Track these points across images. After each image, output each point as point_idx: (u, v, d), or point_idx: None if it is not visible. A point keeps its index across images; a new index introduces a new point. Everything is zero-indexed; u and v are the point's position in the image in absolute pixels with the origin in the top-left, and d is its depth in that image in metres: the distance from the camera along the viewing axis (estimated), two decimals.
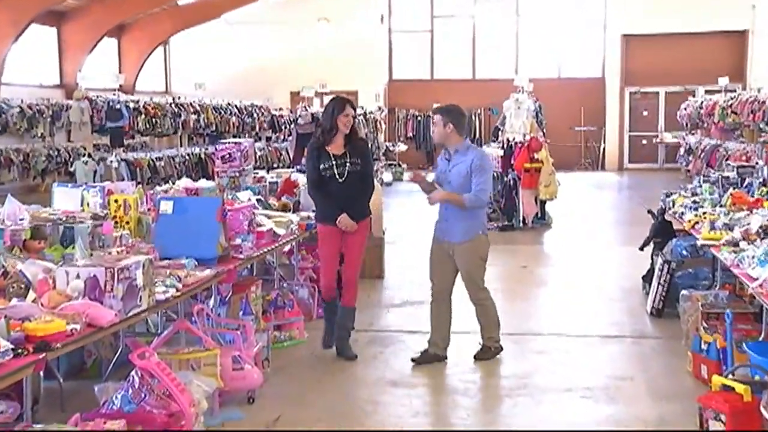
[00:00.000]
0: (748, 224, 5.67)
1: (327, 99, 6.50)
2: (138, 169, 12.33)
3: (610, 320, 7.02)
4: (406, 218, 13.19)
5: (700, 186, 7.74)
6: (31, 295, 3.80)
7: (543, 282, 8.89)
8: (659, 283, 6.98)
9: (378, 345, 6.26)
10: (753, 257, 4.92)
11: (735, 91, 18.09)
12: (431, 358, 5.70)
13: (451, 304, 5.78)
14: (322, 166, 5.65)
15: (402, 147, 21.94)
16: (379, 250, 8.75)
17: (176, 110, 14.16)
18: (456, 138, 5.55)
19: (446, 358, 5.74)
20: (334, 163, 5.65)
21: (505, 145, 12.48)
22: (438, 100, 17.69)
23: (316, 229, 6.00)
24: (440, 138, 5.60)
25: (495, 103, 20.89)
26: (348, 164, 5.65)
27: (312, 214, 6.45)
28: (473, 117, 23.79)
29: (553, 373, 5.60)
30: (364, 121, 17.70)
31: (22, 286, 3.89)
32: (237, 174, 7.25)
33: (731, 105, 16.57)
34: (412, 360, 5.72)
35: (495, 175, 13.47)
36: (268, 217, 6.32)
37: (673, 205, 7.48)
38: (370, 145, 17.37)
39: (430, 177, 5.81)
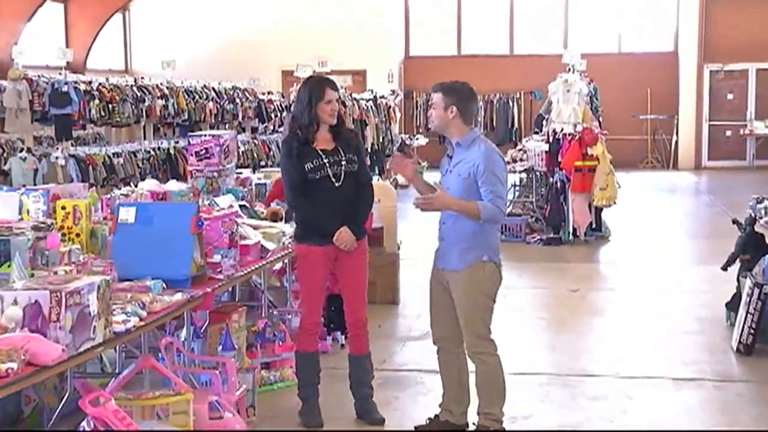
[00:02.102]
0: None
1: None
2: (91, 168, 12.35)
3: (684, 359, 7.00)
4: (427, 228, 13.16)
5: None
6: None
7: (599, 310, 8.88)
8: (748, 312, 6.95)
9: (392, 388, 6.26)
10: None
11: None
12: (442, 427, 5.39)
13: (464, 355, 5.36)
14: (308, 166, 5.47)
15: (421, 140, 21.96)
16: (392, 269, 8.77)
17: (139, 94, 14.20)
18: (460, 127, 5.22)
19: (466, 426, 5.38)
20: (326, 161, 5.48)
21: (551, 138, 12.50)
22: (467, 81, 17.83)
23: (294, 253, 5.89)
24: (439, 124, 5.25)
25: (538, 85, 20.96)
26: (344, 162, 5.50)
27: None
28: (510, 102, 23.84)
29: (611, 423, 5.59)
30: (373, 107, 17.71)
31: None
32: (215, 174, 7.26)
33: None
34: (416, 429, 5.42)
35: (538, 176, 13.52)
36: (255, 227, 6.33)
37: (766, 214, 7.46)
38: (377, 139, 17.52)
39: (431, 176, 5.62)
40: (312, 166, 5.47)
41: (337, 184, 5.50)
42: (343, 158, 5.53)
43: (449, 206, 5.13)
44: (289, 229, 6.57)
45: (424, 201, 5.12)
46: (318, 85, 5.55)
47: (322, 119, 5.51)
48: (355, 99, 17.23)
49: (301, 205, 5.57)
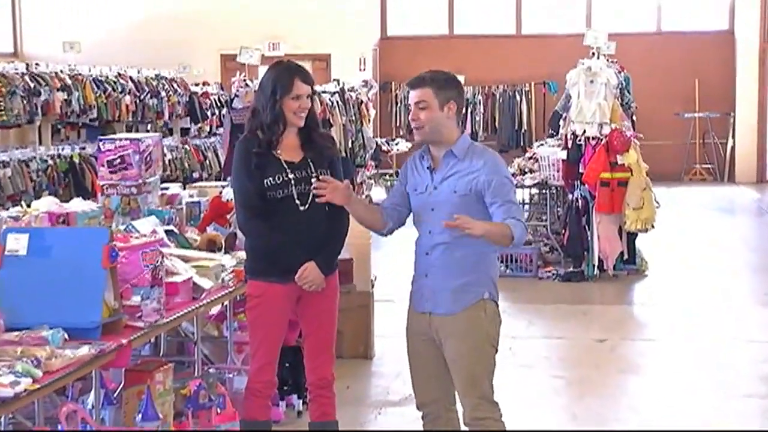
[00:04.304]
0: None
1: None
2: None
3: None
4: (407, 261, 13.16)
5: None
6: None
7: (632, 366, 8.90)
8: None
9: None
10: None
11: None
12: None
13: (457, 420, 5.38)
14: (269, 182, 5.53)
15: (402, 145, 22.01)
16: (364, 313, 8.75)
17: (32, 85, 14.17)
18: (452, 130, 5.27)
19: None
20: (291, 177, 5.55)
21: (570, 143, 12.53)
22: (462, 70, 17.68)
23: (245, 293, 5.91)
24: (433, 130, 5.23)
25: (553, 74, 21.08)
26: (313, 179, 5.51)
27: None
28: (517, 97, 23.93)
29: None
30: (340, 103, 17.74)
31: None
32: (134, 190, 7.26)
33: None
34: None
35: (554, 191, 13.58)
36: (186, 260, 6.32)
37: None
38: (345, 143, 17.53)
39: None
40: (273, 182, 5.53)
41: (302, 208, 5.55)
42: (314, 174, 5.57)
43: (488, 232, 5.06)
44: (229, 261, 6.57)
45: (466, 222, 5.00)
46: (285, 73, 5.59)
47: (288, 119, 5.56)
48: (316, 92, 17.28)
49: (257, 230, 5.61)
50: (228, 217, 7.48)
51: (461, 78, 5.77)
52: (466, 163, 5.21)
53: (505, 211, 5.10)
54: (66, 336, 4.86)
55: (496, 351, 5.30)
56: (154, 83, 16.84)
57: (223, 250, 6.96)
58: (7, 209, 7.01)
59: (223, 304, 6.82)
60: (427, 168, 5.33)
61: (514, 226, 5.04)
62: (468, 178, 5.17)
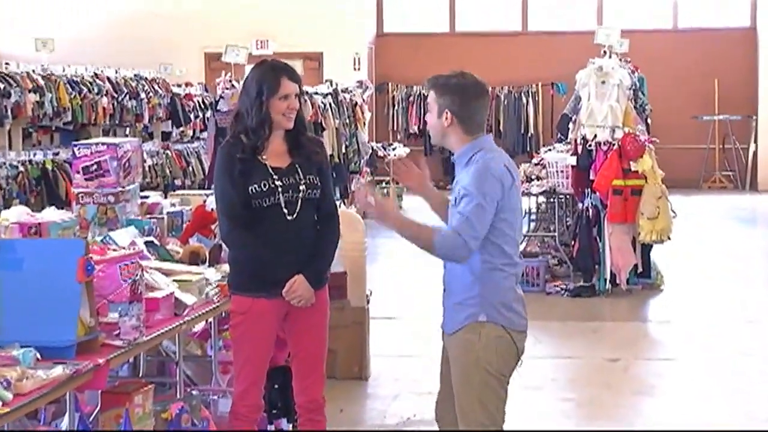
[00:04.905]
0: None
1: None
2: None
3: None
4: (407, 274, 13.28)
5: None
6: None
7: (647, 387, 8.89)
8: None
9: None
10: None
11: None
12: None
13: None
14: (254, 189, 5.55)
15: (401, 150, 22.04)
16: (359, 330, 8.75)
17: (1, 86, 14.19)
18: (460, 137, 5.30)
19: None
20: (277, 184, 5.57)
21: (580, 149, 12.55)
22: (462, 69, 17.88)
23: (229, 309, 5.93)
24: (435, 136, 5.38)
25: (562, 74, 21.07)
26: (302, 187, 5.58)
27: None
28: (523, 98, 23.95)
29: None
30: (333, 105, 17.77)
31: None
32: (111, 199, 7.27)
33: None
34: None
35: (562, 200, 13.57)
36: (167, 273, 6.33)
37: None
38: (338, 149, 17.54)
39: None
40: (258, 189, 5.54)
41: (290, 217, 5.57)
42: (302, 181, 5.60)
43: (395, 225, 5.19)
44: (214, 275, 6.58)
45: (373, 205, 5.21)
46: (271, 72, 5.62)
47: (275, 121, 5.58)
48: (307, 93, 17.30)
49: (241, 240, 5.63)
50: (212, 227, 7.47)
51: None
52: (465, 172, 5.23)
53: (456, 221, 5.10)
54: (38, 355, 4.86)
55: (501, 381, 5.23)
56: (133, 84, 16.84)
57: (207, 263, 6.96)
58: None
59: (207, 321, 6.82)
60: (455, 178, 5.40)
61: (440, 234, 5.09)
62: (456, 189, 5.23)
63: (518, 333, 5.25)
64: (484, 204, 5.08)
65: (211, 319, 6.84)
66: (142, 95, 16.79)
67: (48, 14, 22.38)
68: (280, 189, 5.56)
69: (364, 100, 19.82)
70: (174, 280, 6.25)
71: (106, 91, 15.88)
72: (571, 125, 13.32)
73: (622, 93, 12.45)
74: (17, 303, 5.06)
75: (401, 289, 11.97)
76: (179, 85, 18.47)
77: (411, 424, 7.66)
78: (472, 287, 5.19)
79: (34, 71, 14.76)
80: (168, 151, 16.68)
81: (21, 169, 13.41)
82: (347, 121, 18.40)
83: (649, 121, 13.64)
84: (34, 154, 13.90)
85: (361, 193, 5.46)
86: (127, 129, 16.34)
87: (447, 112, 5.24)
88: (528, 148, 23.12)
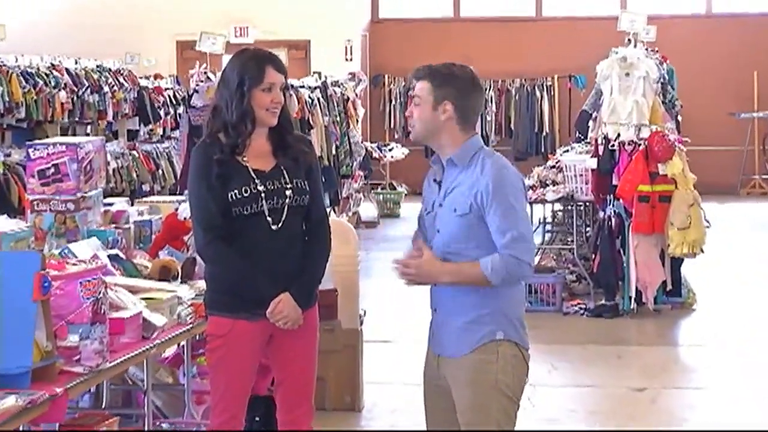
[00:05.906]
0: None
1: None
2: None
3: None
4: (405, 291, 13.15)
5: None
6: None
7: (677, 420, 8.91)
8: None
9: None
10: None
11: None
12: None
13: None
14: (234, 195, 5.55)
15: (398, 152, 22.07)
16: (351, 355, 8.76)
17: None
18: (454, 134, 5.27)
19: None
20: (260, 189, 5.58)
21: (601, 149, 12.56)
22: (469, 61, 17.90)
23: (205, 332, 5.95)
24: (424, 131, 5.28)
25: (581, 65, 21.12)
26: (288, 192, 5.60)
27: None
28: (537, 93, 23.99)
29: None
30: (322, 100, 17.78)
31: None
32: (71, 206, 7.28)
33: None
34: None
35: (581, 208, 13.59)
36: (134, 291, 6.33)
37: None
38: (327, 149, 17.56)
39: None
40: (239, 195, 5.54)
41: (275, 227, 5.58)
42: (288, 185, 5.61)
43: (438, 278, 5.21)
44: (188, 292, 6.58)
45: (407, 268, 5.22)
46: (253, 61, 5.62)
47: (259, 117, 5.57)
48: (293, 87, 17.30)
49: (220, 254, 5.63)
50: (185, 239, 7.49)
51: None
52: (467, 175, 5.21)
53: (498, 234, 5.09)
54: None
55: (515, 403, 5.26)
56: (95, 76, 16.87)
57: (179, 279, 6.97)
58: None
59: (179, 344, 6.83)
60: (434, 180, 5.37)
61: (492, 266, 5.06)
62: (467, 194, 5.18)
63: (527, 351, 5.30)
64: (518, 208, 5.15)
65: (183, 343, 6.85)
66: (106, 89, 16.82)
67: None
68: (263, 195, 5.56)
69: (356, 95, 19.87)
70: (142, 299, 6.26)
71: (65, 84, 15.91)
72: (591, 123, 13.37)
73: (649, 87, 12.46)
74: None
75: (398, 308, 11.94)
76: (147, 78, 18.52)
77: None
78: (483, 303, 5.19)
79: None
80: (135, 152, 16.71)
81: None
82: (338, 118, 18.40)
83: (679, 118, 13.68)
84: None
85: (400, 264, 5.35)
86: (89, 127, 16.38)
87: (446, 104, 5.22)
88: (542, 149, 23.19)
